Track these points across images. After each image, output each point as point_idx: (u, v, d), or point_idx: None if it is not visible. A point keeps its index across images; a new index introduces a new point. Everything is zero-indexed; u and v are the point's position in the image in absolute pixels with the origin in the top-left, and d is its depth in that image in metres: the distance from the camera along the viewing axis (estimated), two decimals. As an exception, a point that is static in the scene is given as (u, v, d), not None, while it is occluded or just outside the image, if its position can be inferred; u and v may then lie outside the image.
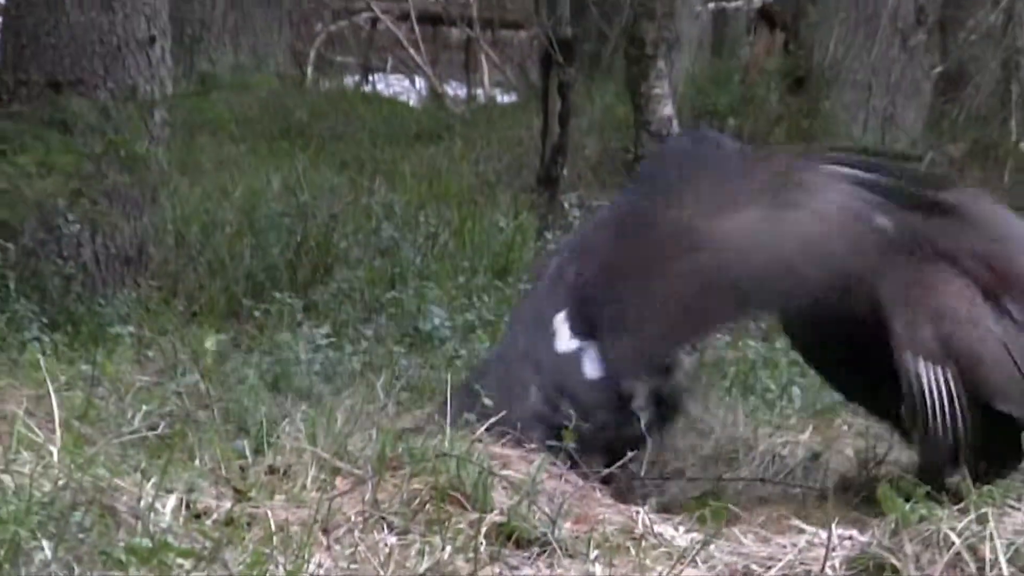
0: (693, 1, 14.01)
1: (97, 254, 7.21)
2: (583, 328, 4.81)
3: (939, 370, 4.65)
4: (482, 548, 3.81)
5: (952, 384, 4.64)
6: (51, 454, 3.89)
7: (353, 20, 17.39)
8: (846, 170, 4.75)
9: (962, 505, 3.93)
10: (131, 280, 7.26)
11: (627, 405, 4.75)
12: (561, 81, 8.92)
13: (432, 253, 8.07)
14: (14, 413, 4.51)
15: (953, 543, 3.80)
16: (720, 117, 11.47)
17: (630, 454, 4.61)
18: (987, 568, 3.77)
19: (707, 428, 5.31)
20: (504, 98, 15.44)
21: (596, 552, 3.92)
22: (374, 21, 17.13)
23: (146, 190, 7.34)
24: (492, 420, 4.45)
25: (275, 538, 3.78)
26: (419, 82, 16.43)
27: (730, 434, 5.31)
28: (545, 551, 3.94)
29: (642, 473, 4.83)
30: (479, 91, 15.80)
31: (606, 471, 4.55)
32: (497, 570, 3.80)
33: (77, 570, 3.46)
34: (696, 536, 4.10)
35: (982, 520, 3.83)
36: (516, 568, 3.85)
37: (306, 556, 3.69)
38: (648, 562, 3.88)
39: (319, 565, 3.72)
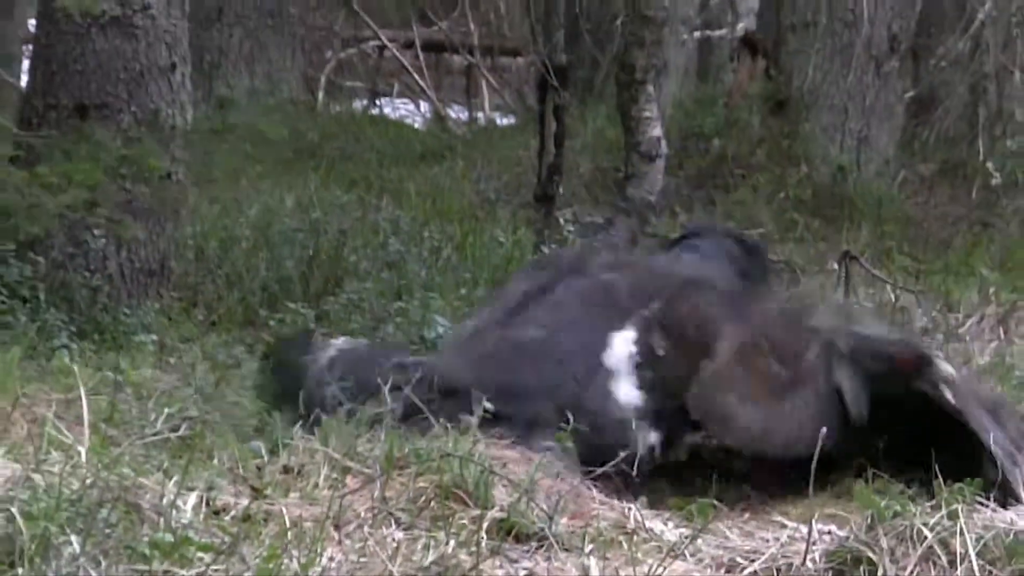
0: (680, 30, 14.00)
1: (122, 267, 7.21)
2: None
3: None
4: (484, 542, 3.80)
5: None
6: (79, 454, 3.88)
7: (361, 48, 17.38)
8: None
9: (934, 502, 3.93)
10: (154, 291, 7.26)
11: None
12: (556, 105, 8.92)
13: (436, 266, 8.06)
14: (44, 416, 4.50)
15: (926, 537, 3.79)
16: (705, 139, 11.47)
17: (622, 454, 4.56)
18: (958, 561, 3.77)
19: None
20: (503, 121, 15.43)
21: (591, 546, 3.91)
22: (381, 49, 17.13)
23: (168, 207, 7.34)
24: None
25: (289, 533, 3.77)
26: (423, 106, 16.43)
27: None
28: (543, 545, 3.93)
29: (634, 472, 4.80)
30: (479, 114, 15.80)
31: (600, 470, 4.51)
32: (498, 563, 3.79)
33: (104, 563, 3.45)
34: (684, 531, 4.10)
35: (953, 516, 3.83)
36: (515, 561, 3.84)
37: (318, 550, 3.68)
38: (640, 555, 3.87)
39: (331, 558, 3.72)
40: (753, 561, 3.89)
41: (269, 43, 14.53)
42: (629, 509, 4.20)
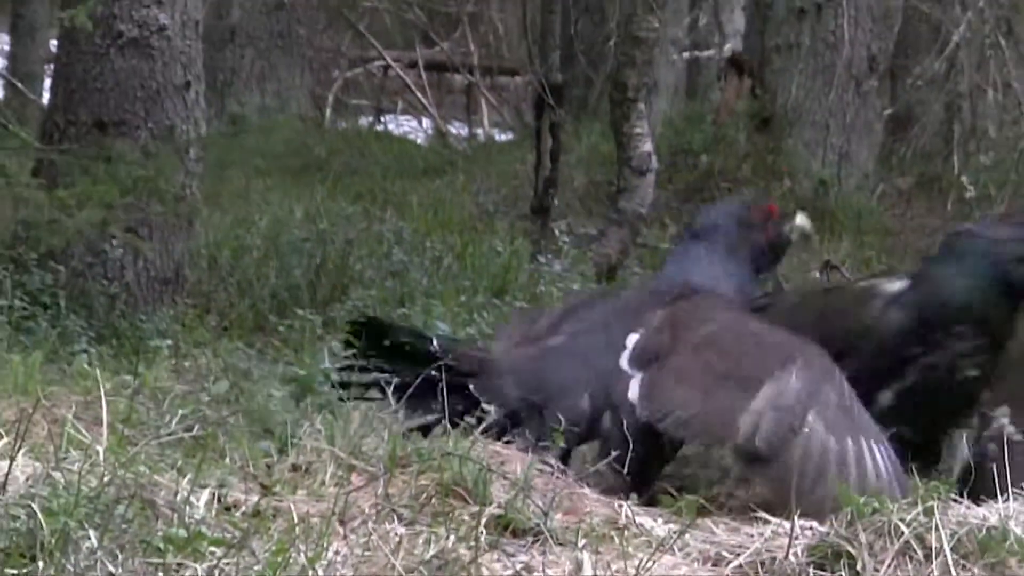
0: (670, 50, 14.02)
1: (139, 276, 7.21)
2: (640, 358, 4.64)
3: None
4: (482, 537, 3.79)
5: None
6: (97, 453, 3.88)
7: (367, 67, 17.41)
8: None
9: (911, 499, 3.93)
10: (169, 299, 7.26)
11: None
12: (552, 122, 8.94)
13: (437, 274, 8.07)
14: (64, 417, 4.50)
15: (903, 533, 3.79)
16: (694, 154, 11.47)
17: (614, 453, 4.55)
18: (933, 555, 3.77)
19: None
20: (501, 137, 15.45)
21: (584, 541, 3.90)
22: (386, 68, 17.15)
23: (182, 219, 7.35)
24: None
25: (297, 528, 3.77)
26: (426, 122, 16.46)
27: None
28: (538, 540, 3.93)
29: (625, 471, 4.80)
30: (479, 130, 15.83)
31: (593, 468, 4.51)
32: (495, 557, 3.78)
33: (120, 557, 3.44)
34: (673, 527, 4.09)
35: (928, 512, 3.83)
36: (512, 555, 3.83)
37: (325, 544, 3.68)
38: (631, 550, 3.86)
39: (336, 552, 3.71)
40: (738, 555, 3.89)
41: (279, 63, 14.55)
42: (621, 506, 4.20)
